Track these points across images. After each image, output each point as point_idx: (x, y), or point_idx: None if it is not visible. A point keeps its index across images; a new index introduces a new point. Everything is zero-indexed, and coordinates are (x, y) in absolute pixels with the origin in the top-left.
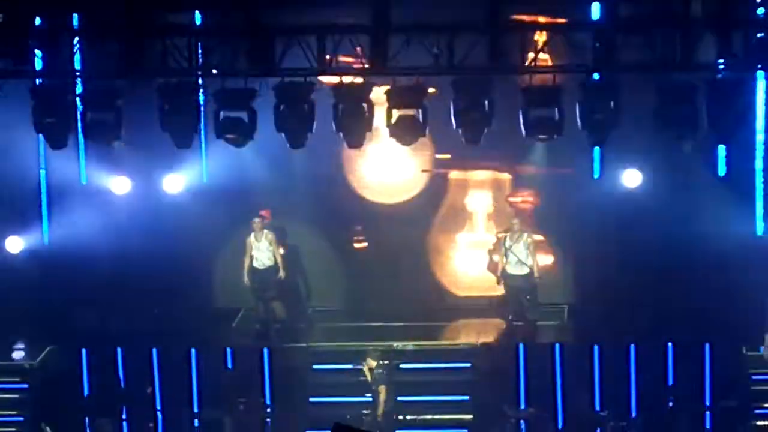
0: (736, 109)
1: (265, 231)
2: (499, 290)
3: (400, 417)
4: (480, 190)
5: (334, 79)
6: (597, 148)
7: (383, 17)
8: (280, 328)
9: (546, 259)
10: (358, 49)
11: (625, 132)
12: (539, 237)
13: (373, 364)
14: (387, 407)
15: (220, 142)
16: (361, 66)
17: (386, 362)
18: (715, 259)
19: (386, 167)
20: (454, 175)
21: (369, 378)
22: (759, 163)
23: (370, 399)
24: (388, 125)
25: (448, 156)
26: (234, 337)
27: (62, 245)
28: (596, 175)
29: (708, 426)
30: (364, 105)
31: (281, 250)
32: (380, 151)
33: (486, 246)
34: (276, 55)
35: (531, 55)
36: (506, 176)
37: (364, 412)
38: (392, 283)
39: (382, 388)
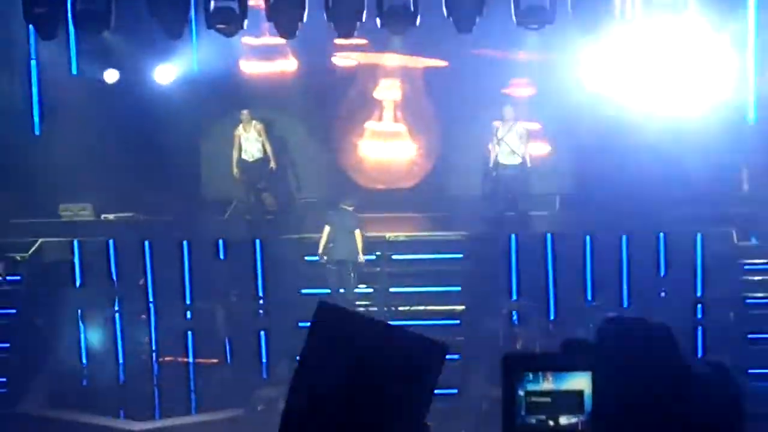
0: None
1: (254, 122)
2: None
3: (392, 308)
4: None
5: None
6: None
7: None
8: (272, 220)
9: (542, 148)
10: None
11: None
12: (535, 125)
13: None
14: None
15: (210, 32)
16: None
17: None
18: (707, 147)
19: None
20: None
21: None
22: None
23: (367, 289)
24: (379, 14)
25: None
26: (226, 229)
27: (53, 136)
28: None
29: (699, 316)
30: None
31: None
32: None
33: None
34: None
35: None
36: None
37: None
38: (383, 173)
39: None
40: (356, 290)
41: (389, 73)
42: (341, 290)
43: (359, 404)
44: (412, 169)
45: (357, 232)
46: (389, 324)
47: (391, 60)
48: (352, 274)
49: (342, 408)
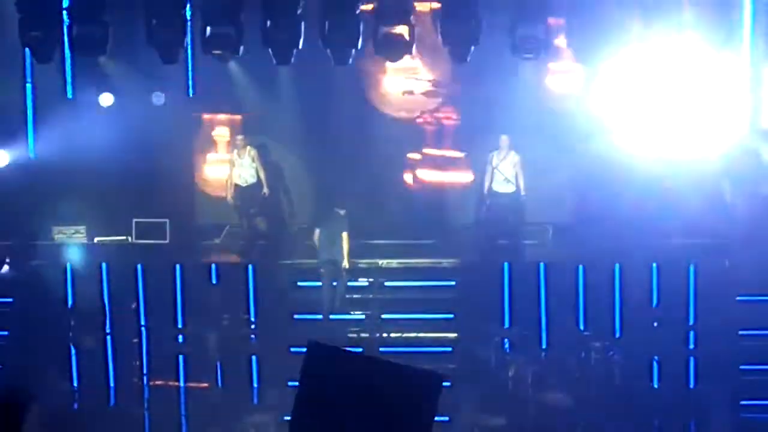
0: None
1: (248, 147)
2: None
3: (384, 334)
4: None
5: None
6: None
7: None
8: (265, 245)
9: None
10: None
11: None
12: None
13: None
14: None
15: (207, 57)
16: None
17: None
18: (699, 177)
19: (373, 85)
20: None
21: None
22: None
23: (359, 316)
24: (374, 42)
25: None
26: (218, 254)
27: (48, 159)
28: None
29: (692, 346)
30: (352, 21)
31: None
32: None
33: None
34: None
35: None
36: None
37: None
38: (379, 199)
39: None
40: (346, 316)
41: None
42: (334, 283)
43: None
44: None
45: (344, 235)
46: (381, 358)
47: None
48: (344, 273)
49: None
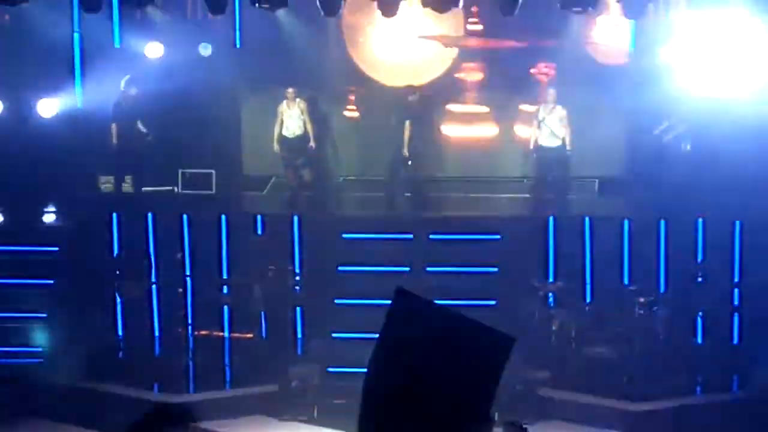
0: None
1: (298, 100)
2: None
3: (429, 287)
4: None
5: None
6: (633, 22)
7: None
8: (310, 196)
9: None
10: None
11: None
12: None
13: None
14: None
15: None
16: None
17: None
18: (747, 136)
19: (413, 40)
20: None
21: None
22: None
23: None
24: None
25: (479, 27)
26: (264, 204)
27: (95, 109)
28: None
29: (736, 303)
30: None
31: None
32: (409, 21)
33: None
34: None
35: None
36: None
37: None
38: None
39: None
40: (391, 268)
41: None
42: None
43: (431, 388)
44: None
45: (407, 123)
46: (461, 314)
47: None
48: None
49: (415, 390)
